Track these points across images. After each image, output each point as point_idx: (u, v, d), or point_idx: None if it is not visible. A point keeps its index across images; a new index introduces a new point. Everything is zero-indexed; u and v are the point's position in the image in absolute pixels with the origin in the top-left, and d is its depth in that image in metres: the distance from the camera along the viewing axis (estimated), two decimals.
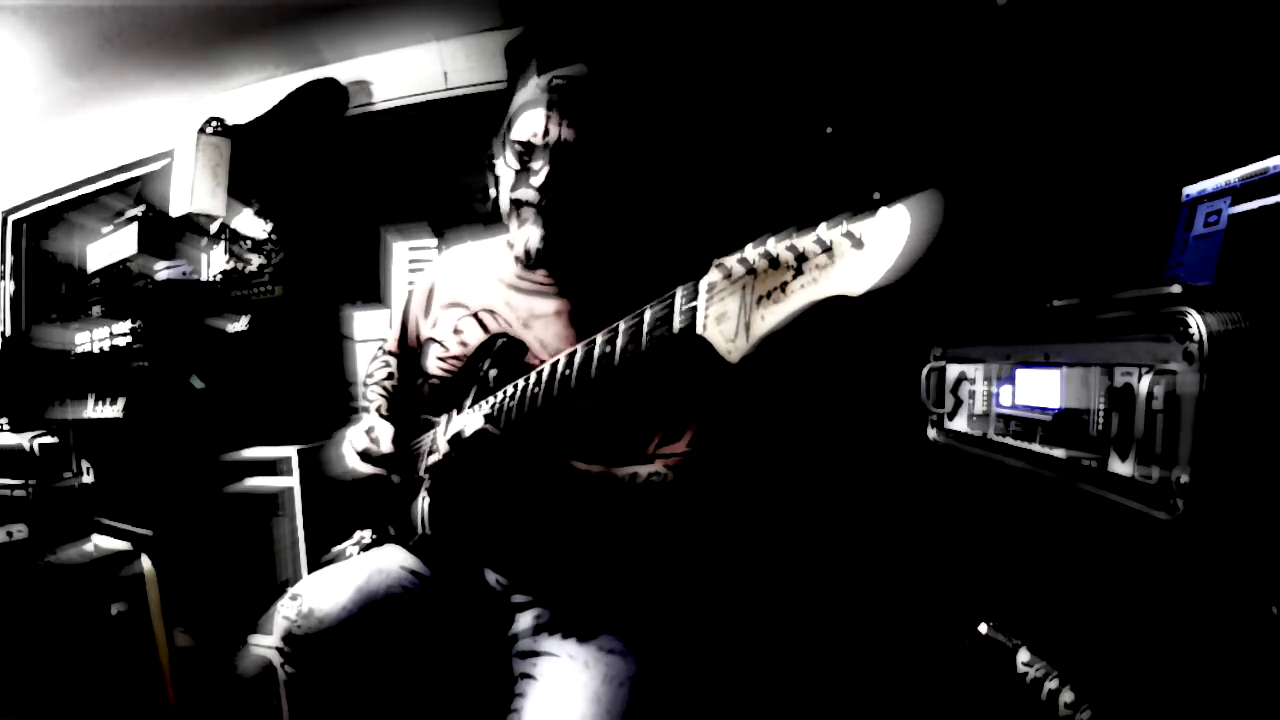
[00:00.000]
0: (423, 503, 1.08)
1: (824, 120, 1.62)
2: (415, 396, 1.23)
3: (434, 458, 0.97)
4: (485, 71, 2.33)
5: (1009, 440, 0.88)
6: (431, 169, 2.43)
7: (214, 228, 2.59)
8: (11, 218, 3.48)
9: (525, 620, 1.06)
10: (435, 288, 1.26)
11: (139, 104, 2.80)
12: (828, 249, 0.62)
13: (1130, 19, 1.20)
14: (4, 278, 3.47)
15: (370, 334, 2.34)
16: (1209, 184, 0.96)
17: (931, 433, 1.06)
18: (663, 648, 1.00)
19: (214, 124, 2.47)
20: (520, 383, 0.95)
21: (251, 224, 2.55)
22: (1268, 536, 0.61)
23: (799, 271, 0.64)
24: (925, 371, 1.04)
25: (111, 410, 2.44)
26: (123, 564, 1.95)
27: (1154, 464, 0.65)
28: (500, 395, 0.98)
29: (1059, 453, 0.78)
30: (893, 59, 1.55)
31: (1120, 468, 0.69)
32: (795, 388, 1.55)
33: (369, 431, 1.14)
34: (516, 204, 1.09)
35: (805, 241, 0.64)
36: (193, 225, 2.63)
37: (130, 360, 2.42)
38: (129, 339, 2.42)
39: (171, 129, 2.64)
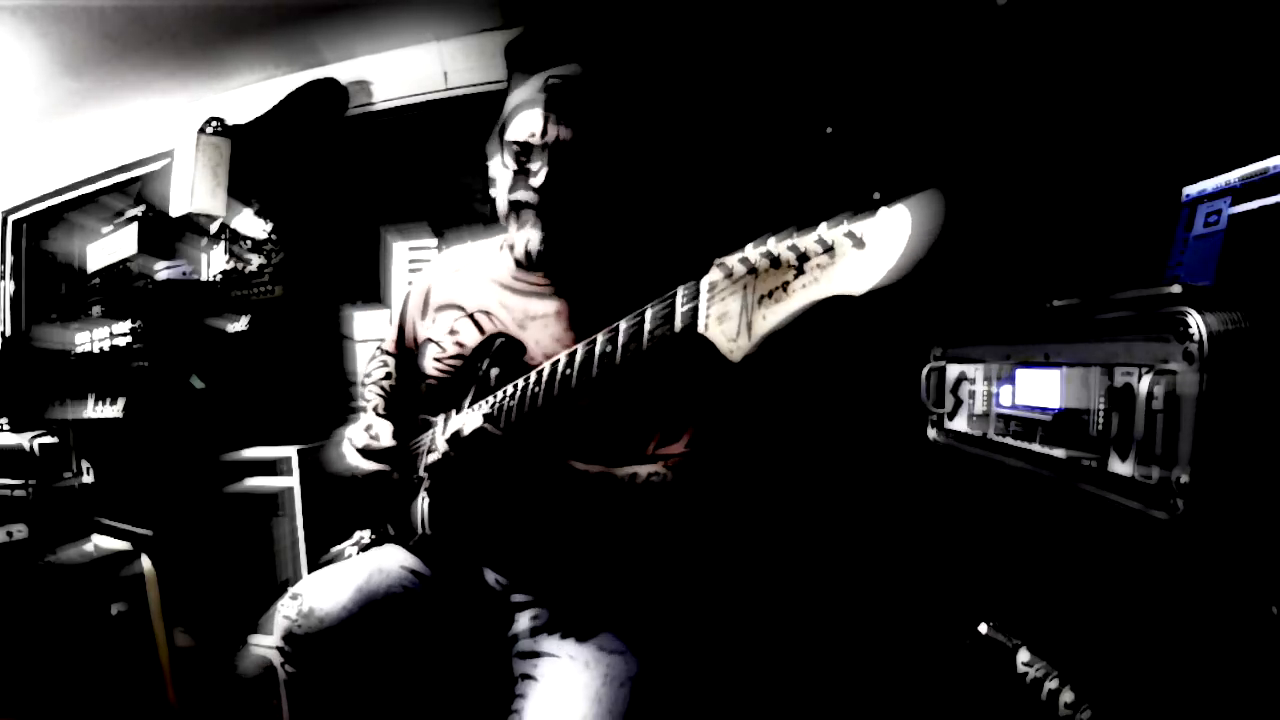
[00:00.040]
0: (422, 503, 1.08)
1: (824, 119, 1.62)
2: (413, 396, 1.24)
3: (433, 456, 0.97)
4: (485, 71, 2.33)
5: (1009, 440, 0.88)
6: (431, 169, 2.43)
7: (214, 228, 2.59)
8: (11, 218, 3.48)
9: (525, 620, 1.06)
10: (431, 289, 1.26)
11: (139, 104, 2.80)
12: (829, 249, 0.62)
13: (1130, 19, 1.20)
14: (4, 278, 3.47)
15: (370, 334, 2.34)
16: (1209, 184, 0.96)
17: (931, 433, 1.06)
18: (664, 648, 1.00)
19: (214, 124, 2.47)
20: (520, 382, 0.95)
21: (251, 224, 2.55)
22: (1268, 536, 0.61)
23: (800, 271, 0.64)
24: (925, 371, 1.04)
25: (111, 410, 2.44)
26: (123, 564, 1.95)
27: (1154, 464, 0.65)
28: (500, 395, 0.98)
29: (1059, 453, 0.78)
30: (893, 58, 1.55)
31: (1120, 468, 0.69)
32: (795, 387, 1.55)
33: (368, 429, 1.15)
34: (515, 206, 1.09)
35: (807, 241, 0.64)
36: (193, 225, 2.63)
37: (130, 360, 2.42)
38: (129, 339, 2.42)
39: (171, 129, 2.64)
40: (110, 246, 2.75)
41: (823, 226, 0.64)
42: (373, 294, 2.36)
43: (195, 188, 2.42)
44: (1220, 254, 0.92)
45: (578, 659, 0.95)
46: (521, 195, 1.08)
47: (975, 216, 1.27)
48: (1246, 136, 0.94)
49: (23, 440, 2.01)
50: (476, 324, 1.15)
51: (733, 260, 0.70)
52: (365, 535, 1.22)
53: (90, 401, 2.52)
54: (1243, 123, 1.00)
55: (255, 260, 2.52)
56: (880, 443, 1.41)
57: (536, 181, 1.06)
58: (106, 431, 2.46)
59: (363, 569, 1.07)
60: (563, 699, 0.91)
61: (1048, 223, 1.28)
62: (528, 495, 1.02)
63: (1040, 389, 0.81)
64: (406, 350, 1.31)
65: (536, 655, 0.99)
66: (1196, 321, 0.62)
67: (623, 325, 0.81)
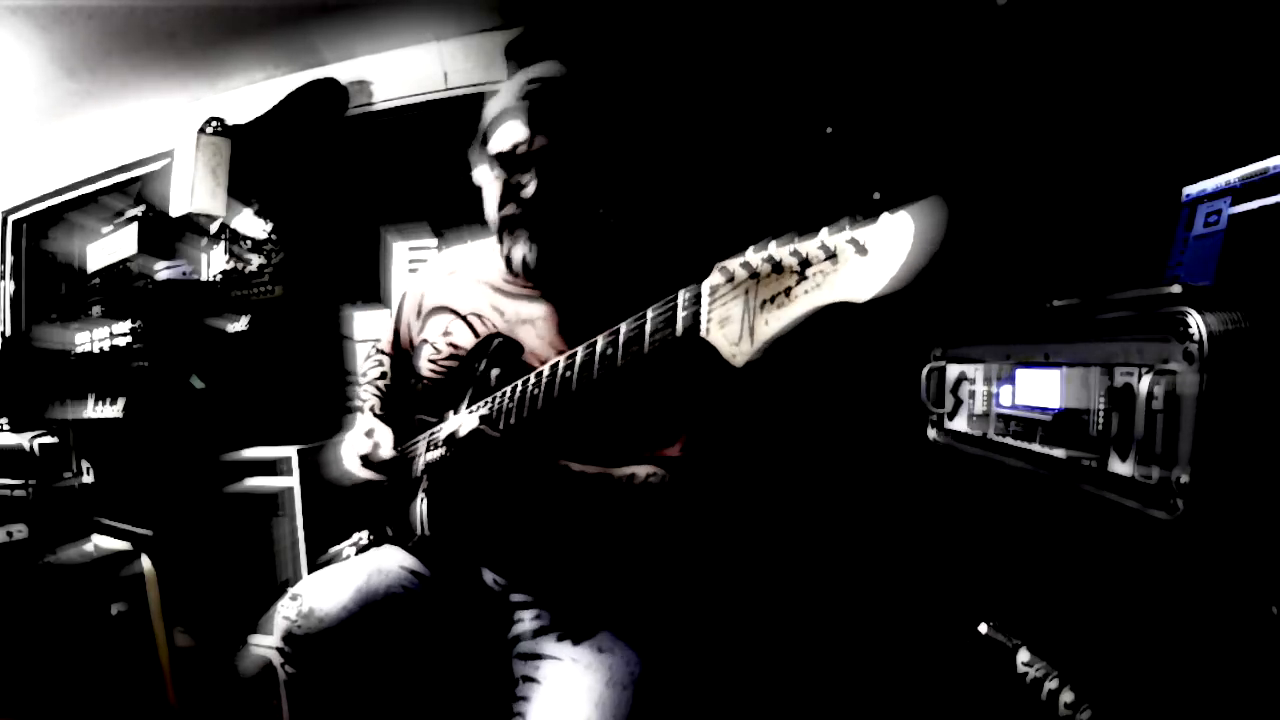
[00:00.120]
0: (421, 504, 1.08)
1: (824, 119, 1.62)
2: (409, 396, 1.24)
3: (431, 455, 0.97)
4: (485, 71, 2.33)
5: (1009, 440, 0.88)
6: (431, 169, 2.43)
7: (214, 228, 2.60)
8: (11, 218, 3.48)
9: (526, 621, 1.06)
10: (426, 291, 1.26)
11: (139, 104, 2.80)
12: (832, 255, 0.62)
13: (1130, 19, 1.20)
14: (4, 278, 3.47)
15: (370, 334, 2.34)
16: (1209, 184, 0.96)
17: (931, 433, 1.06)
18: (666, 649, 1.00)
19: (214, 124, 2.47)
20: (519, 384, 0.95)
21: (251, 224, 2.55)
22: (1268, 536, 0.61)
23: (803, 277, 0.64)
24: (925, 371, 1.04)
25: (111, 410, 2.44)
26: (123, 564, 1.95)
27: (1154, 464, 0.65)
28: (498, 396, 0.98)
29: (1059, 453, 0.78)
30: (892, 58, 1.55)
31: (1120, 468, 0.69)
32: (794, 387, 1.55)
33: (369, 434, 1.14)
34: (506, 221, 1.08)
35: (809, 246, 0.64)
36: (193, 225, 2.64)
37: (130, 360, 2.42)
38: (129, 339, 2.43)
39: (171, 129, 2.64)
40: (110, 246, 2.75)
41: (825, 232, 0.63)
42: (372, 294, 2.35)
43: (195, 188, 2.42)
44: (1220, 254, 0.92)
45: (579, 661, 0.95)
46: (511, 210, 1.06)
47: (975, 217, 1.27)
48: (1246, 136, 0.94)
49: (23, 440, 2.01)
50: (470, 326, 1.15)
51: (734, 264, 0.69)
52: (363, 536, 1.22)
53: (90, 401, 2.52)
54: (1243, 123, 1.00)
55: (255, 260, 2.52)
56: (880, 443, 1.41)
57: (526, 193, 1.04)
58: (106, 431, 2.46)
59: (362, 569, 1.07)
60: (565, 702, 0.90)
61: (1048, 223, 1.28)
62: (526, 496, 1.01)
63: (1040, 389, 0.81)
64: (402, 351, 1.31)
65: (538, 657, 0.99)
66: (1196, 321, 0.62)
67: (623, 328, 0.81)
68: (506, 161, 1.05)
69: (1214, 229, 0.94)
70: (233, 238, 2.57)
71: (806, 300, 0.64)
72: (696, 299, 0.73)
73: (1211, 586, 0.65)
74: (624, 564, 1.11)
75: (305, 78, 2.48)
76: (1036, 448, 0.82)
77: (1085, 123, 1.27)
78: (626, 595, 1.07)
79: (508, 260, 1.10)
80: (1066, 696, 0.80)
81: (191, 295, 2.50)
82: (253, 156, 2.50)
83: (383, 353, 1.37)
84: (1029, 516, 0.89)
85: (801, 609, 1.55)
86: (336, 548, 1.24)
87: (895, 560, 1.39)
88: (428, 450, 1.09)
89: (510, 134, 1.04)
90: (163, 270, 2.62)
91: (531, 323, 1.10)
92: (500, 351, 1.06)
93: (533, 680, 0.96)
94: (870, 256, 0.59)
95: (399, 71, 2.47)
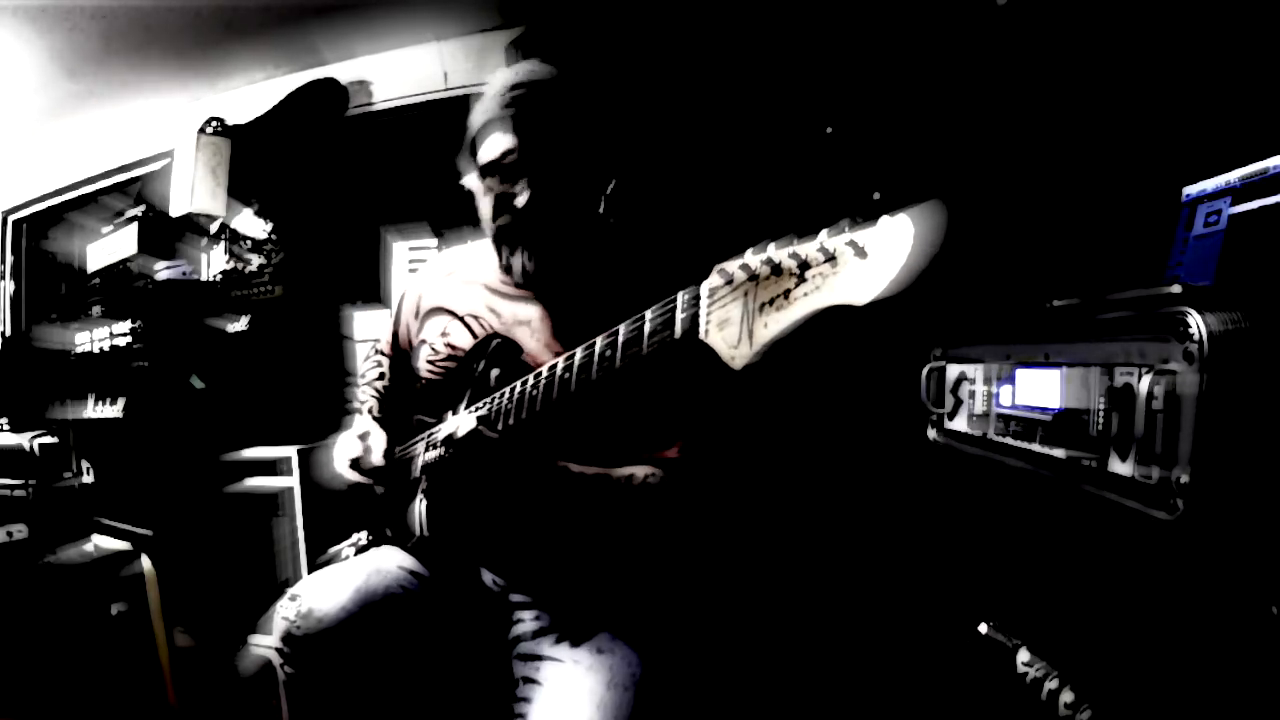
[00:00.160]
0: (420, 505, 1.08)
1: (823, 119, 1.62)
2: (409, 396, 1.24)
3: (430, 456, 0.97)
4: (485, 71, 2.32)
5: (1009, 440, 0.87)
6: (431, 169, 2.43)
7: (214, 228, 2.60)
8: (11, 218, 3.48)
9: (526, 622, 1.06)
10: (424, 292, 1.26)
11: (139, 104, 2.80)
12: (831, 257, 0.61)
13: (1130, 19, 1.20)
14: (4, 278, 3.47)
15: (370, 334, 2.34)
16: (1209, 184, 0.96)
17: (931, 433, 1.06)
18: (666, 650, 1.00)
19: (214, 124, 2.47)
20: (518, 385, 0.95)
21: (251, 224, 2.56)
22: (1268, 536, 0.61)
23: (802, 279, 0.63)
24: (925, 371, 1.04)
25: (111, 410, 2.44)
26: (123, 564, 1.95)
27: (1154, 464, 0.65)
28: (496, 398, 0.98)
29: (1059, 453, 0.78)
30: (892, 58, 1.55)
31: (1120, 468, 0.69)
32: (794, 387, 1.55)
33: (363, 437, 1.14)
34: (501, 231, 1.07)
35: (808, 249, 0.63)
36: (193, 225, 2.64)
37: (130, 360, 2.43)
38: (129, 339, 2.43)
39: (171, 129, 2.64)
40: (110, 246, 2.75)
41: (824, 234, 0.63)
42: (373, 294, 2.35)
43: (195, 188, 2.42)
44: (1220, 254, 0.92)
45: (580, 663, 0.95)
46: (505, 220, 1.05)
47: (975, 216, 1.27)
48: (1246, 136, 0.94)
49: (23, 440, 2.01)
50: (467, 327, 1.15)
51: (733, 266, 0.69)
52: (362, 536, 1.22)
53: (90, 401, 2.52)
54: (1243, 123, 1.00)
55: (255, 260, 2.52)
56: (880, 443, 1.41)
57: (519, 203, 1.03)
58: (106, 431, 2.46)
59: (361, 570, 1.07)
60: (566, 704, 0.90)
61: (1048, 223, 1.28)
62: (525, 496, 1.01)
63: (1040, 389, 0.81)
64: (401, 352, 1.31)
65: (538, 658, 0.99)
66: (1196, 321, 0.62)
67: (622, 329, 0.81)
68: (496, 171, 1.04)
69: (1214, 229, 0.94)
70: (233, 238, 2.57)
71: (805, 303, 0.63)
72: (695, 301, 0.73)
73: (1211, 586, 0.65)
74: (623, 565, 1.11)
75: (305, 78, 2.48)
76: (1036, 448, 0.82)
77: (1085, 123, 1.27)
78: (626, 596, 1.07)
79: (505, 267, 1.10)
80: (1066, 696, 0.80)
81: (191, 295, 2.50)
82: (253, 156, 2.50)
83: (382, 354, 1.37)
84: (1029, 517, 0.89)
85: (802, 609, 1.55)
86: (336, 548, 1.24)
87: (896, 560, 1.39)
88: (426, 451, 1.09)
89: (498, 144, 1.03)
90: (163, 270, 2.62)
91: (528, 324, 1.10)
92: (499, 352, 1.06)
93: (533, 681, 0.96)
94: (869, 259, 0.59)
95: (399, 71, 2.47)
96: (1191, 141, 1.06)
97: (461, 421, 0.95)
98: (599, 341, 0.84)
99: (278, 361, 2.35)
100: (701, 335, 0.71)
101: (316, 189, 2.50)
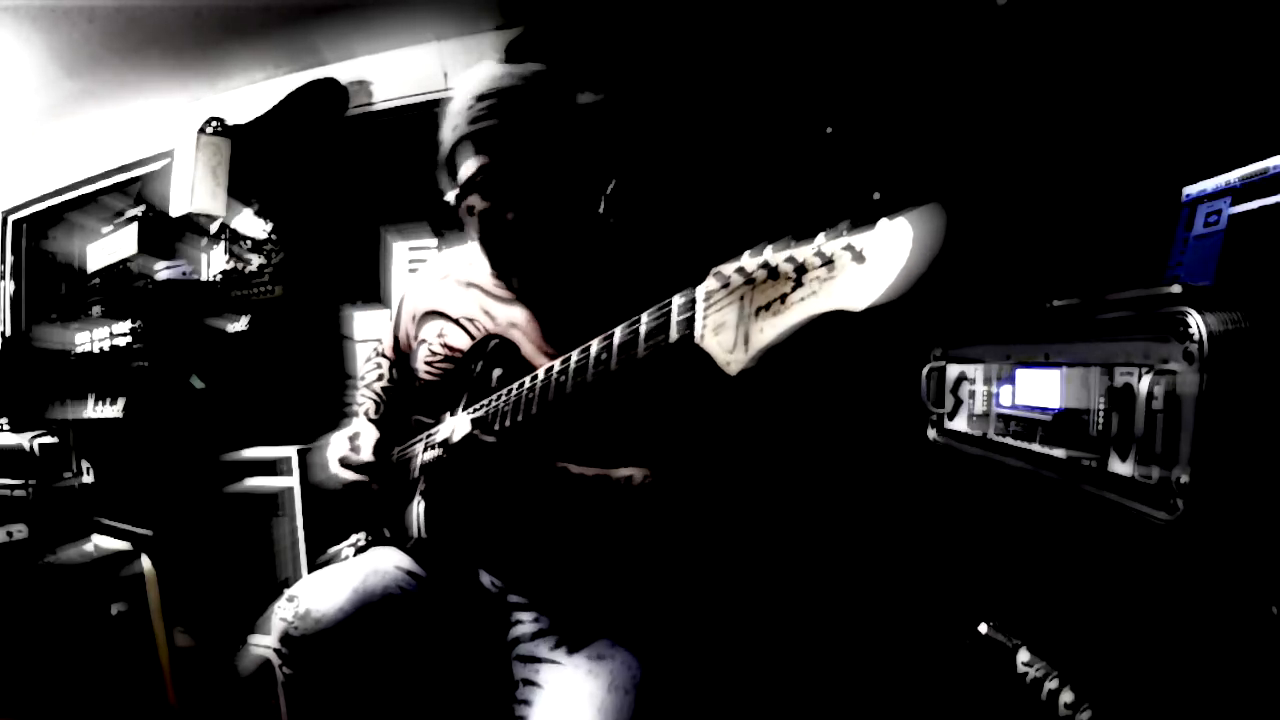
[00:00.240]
0: (418, 506, 1.08)
1: (821, 120, 1.62)
2: (409, 396, 1.24)
3: (428, 455, 0.97)
4: None
5: (1009, 440, 0.87)
6: (432, 169, 2.42)
7: (214, 228, 2.60)
8: (11, 218, 3.48)
9: (525, 624, 1.05)
10: (421, 295, 1.26)
11: (139, 104, 2.80)
12: (828, 261, 0.60)
13: (1130, 19, 1.20)
14: (4, 278, 3.47)
15: (370, 334, 2.34)
16: (1209, 184, 0.96)
17: (931, 433, 1.06)
18: (665, 651, 1.00)
19: (214, 124, 2.47)
20: (514, 387, 0.95)
21: (251, 224, 2.55)
22: (1268, 537, 0.61)
23: (799, 284, 0.62)
24: (925, 371, 1.04)
25: (111, 410, 2.44)
26: (123, 564, 1.95)
27: (1154, 464, 0.65)
28: (493, 400, 0.98)
29: (1059, 453, 0.78)
30: (892, 58, 1.55)
31: (1120, 468, 0.69)
32: (793, 386, 1.54)
33: (353, 438, 1.15)
34: (488, 246, 1.07)
35: (804, 253, 0.62)
36: (193, 225, 2.64)
37: (130, 360, 2.43)
38: (129, 339, 2.43)
39: (171, 129, 2.64)
40: (110, 246, 2.76)
41: (821, 237, 0.62)
42: (373, 294, 2.35)
43: (195, 188, 2.42)
44: (1220, 254, 0.92)
45: (581, 665, 0.94)
46: (490, 235, 1.04)
47: (975, 216, 1.27)
48: (1246, 136, 0.94)
49: (23, 440, 2.01)
50: (464, 329, 1.15)
51: (729, 269, 0.68)
52: (362, 537, 1.22)
53: (90, 401, 2.52)
54: (1243, 123, 1.00)
55: (255, 260, 2.52)
56: (880, 443, 1.41)
57: (500, 218, 1.02)
58: (106, 431, 2.46)
59: (359, 570, 1.07)
60: (567, 707, 0.90)
61: (1048, 223, 1.28)
62: (523, 498, 1.01)
63: (1040, 389, 0.81)
64: (402, 354, 1.31)
65: (538, 660, 0.99)
66: (1196, 321, 0.62)
67: (618, 333, 0.80)
68: (474, 189, 1.02)
69: (1214, 229, 0.94)
70: (233, 238, 2.57)
71: (802, 308, 0.62)
72: (691, 305, 0.72)
73: (1211, 586, 0.65)
74: (623, 566, 1.11)
75: (305, 78, 2.48)
76: (1036, 448, 0.82)
77: (1085, 123, 1.27)
78: (626, 597, 1.07)
79: (495, 272, 1.10)
80: (1066, 696, 0.80)
81: (191, 295, 2.50)
82: (253, 156, 2.50)
83: (383, 356, 1.37)
84: (1029, 517, 0.89)
85: (802, 609, 1.55)
86: (336, 548, 1.24)
87: (896, 560, 1.39)
88: (425, 451, 1.09)
89: (470, 164, 1.02)
90: (163, 270, 2.62)
91: (520, 328, 1.10)
92: (498, 352, 1.06)
93: (534, 684, 0.96)
94: (867, 264, 0.58)
95: (399, 71, 2.47)
96: (1191, 141, 1.06)
97: (457, 425, 0.95)
98: (595, 344, 0.83)
99: (278, 361, 2.35)
100: (697, 340, 0.70)
101: (316, 189, 2.50)
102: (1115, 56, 1.22)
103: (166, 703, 1.88)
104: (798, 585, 1.57)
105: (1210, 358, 0.61)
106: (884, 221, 0.58)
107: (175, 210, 2.49)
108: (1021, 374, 0.85)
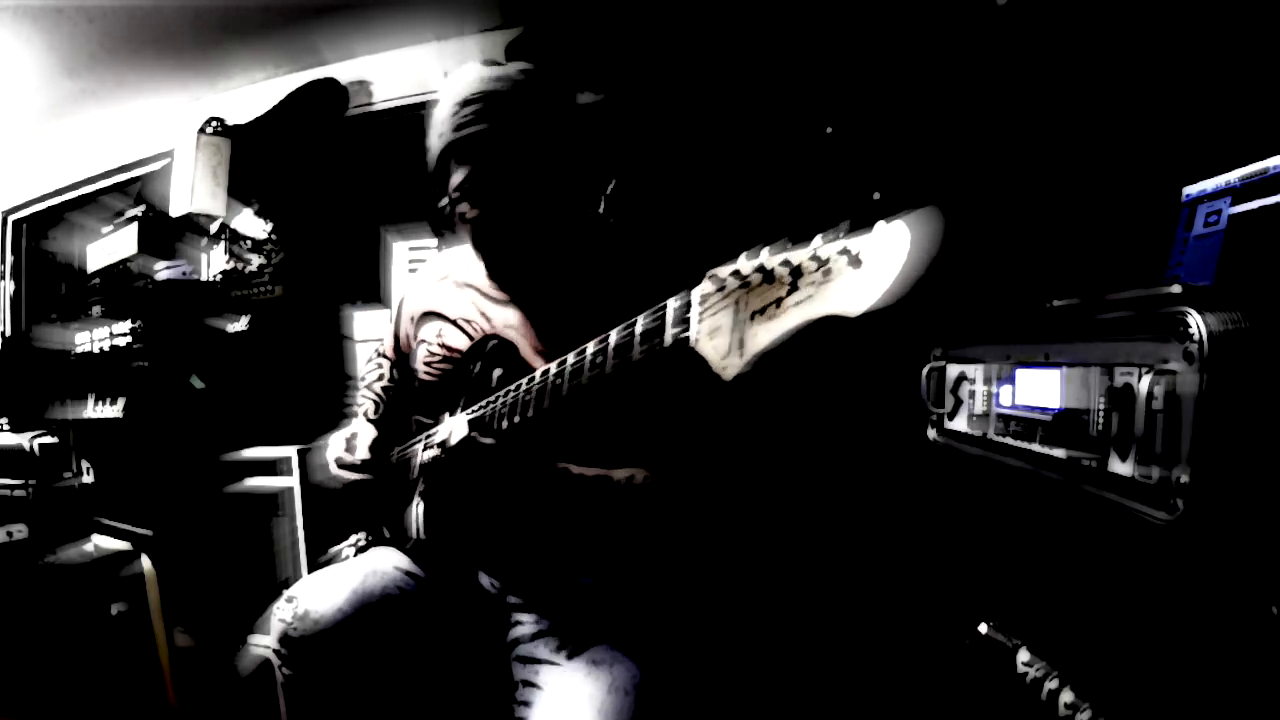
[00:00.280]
0: (417, 508, 1.08)
1: (821, 120, 1.62)
2: (410, 396, 1.24)
3: (427, 455, 0.97)
4: None
5: (1009, 440, 0.87)
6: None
7: (214, 228, 2.60)
8: (11, 218, 3.48)
9: (525, 625, 1.05)
10: (419, 296, 1.26)
11: (139, 104, 2.80)
12: (824, 265, 0.59)
13: (1130, 19, 1.20)
14: (4, 278, 3.47)
15: (370, 334, 2.34)
16: (1209, 184, 0.96)
17: (931, 433, 1.06)
18: (665, 653, 1.00)
19: (214, 124, 2.47)
20: (511, 389, 0.95)
21: (251, 224, 2.55)
22: (1268, 537, 0.61)
23: (794, 288, 0.61)
24: (925, 371, 1.04)
25: (111, 410, 2.44)
26: (123, 564, 1.95)
27: (1154, 464, 0.65)
28: (492, 400, 0.98)
29: (1059, 453, 0.78)
30: (892, 58, 1.55)
31: (1120, 468, 0.69)
32: (793, 385, 1.54)
33: (350, 438, 1.15)
34: (483, 254, 1.06)
35: (800, 256, 0.61)
36: (193, 225, 2.64)
37: (130, 360, 2.43)
38: (129, 339, 2.43)
39: (171, 129, 2.64)
40: (110, 246, 2.76)
41: (818, 240, 0.61)
42: (373, 294, 2.35)
43: (195, 188, 2.42)
44: (1220, 254, 0.92)
45: (580, 667, 0.94)
46: (481, 240, 1.04)
47: (975, 216, 1.27)
48: (1246, 136, 0.94)
49: (23, 440, 2.01)
50: (462, 330, 1.15)
51: (724, 272, 0.67)
52: (361, 537, 1.22)
53: (90, 401, 2.52)
54: (1243, 123, 1.00)
55: (255, 260, 2.52)
56: (880, 443, 1.41)
57: (490, 225, 1.02)
58: (106, 431, 2.46)
59: (358, 571, 1.07)
60: (567, 709, 0.90)
61: (1047, 223, 1.28)
62: (523, 498, 1.01)
63: (1040, 389, 0.81)
64: (403, 354, 1.32)
65: (537, 661, 0.98)
66: (1196, 321, 0.62)
67: (613, 335, 0.80)
68: (464, 197, 1.02)
69: (1214, 229, 0.94)
70: (233, 238, 2.57)
71: (798, 312, 0.61)
72: (686, 308, 0.71)
73: (1212, 586, 0.65)
74: (623, 566, 1.11)
75: (305, 78, 2.48)
76: (1036, 448, 0.82)
77: (1085, 123, 1.27)
78: (626, 598, 1.07)
79: (489, 274, 1.11)
80: (1066, 696, 0.80)
81: (191, 295, 2.50)
82: (253, 156, 2.50)
83: (384, 356, 1.37)
84: (1029, 517, 0.89)
85: (802, 609, 1.55)
86: (336, 548, 1.24)
87: (895, 560, 1.39)
88: (424, 452, 1.09)
89: (457, 173, 1.01)
90: (163, 270, 2.62)
91: (516, 329, 1.10)
92: (497, 353, 1.06)
93: (534, 685, 0.96)
94: (865, 268, 0.57)
95: (399, 71, 2.47)
96: (1191, 141, 1.06)
97: (455, 427, 0.95)
98: (590, 348, 0.83)
99: (278, 362, 2.35)
100: (692, 343, 0.69)
101: (316, 189, 2.50)
102: (1115, 57, 1.22)
103: (166, 703, 1.88)
104: (798, 585, 1.57)
105: (1210, 358, 0.61)
106: (881, 225, 0.57)
107: (175, 210, 2.49)
108: (1021, 374, 0.85)
